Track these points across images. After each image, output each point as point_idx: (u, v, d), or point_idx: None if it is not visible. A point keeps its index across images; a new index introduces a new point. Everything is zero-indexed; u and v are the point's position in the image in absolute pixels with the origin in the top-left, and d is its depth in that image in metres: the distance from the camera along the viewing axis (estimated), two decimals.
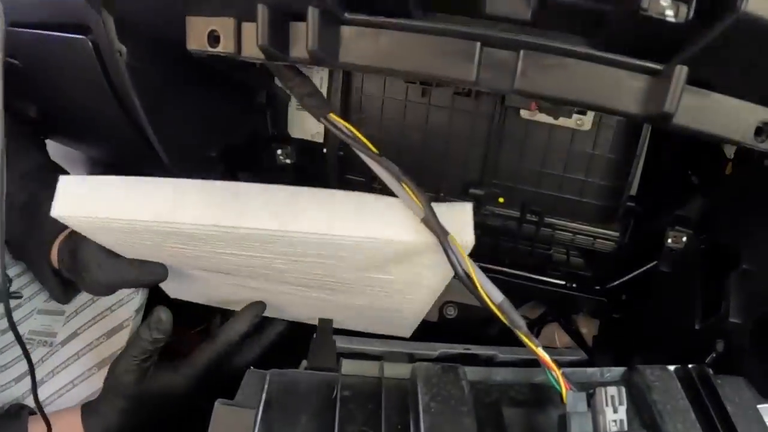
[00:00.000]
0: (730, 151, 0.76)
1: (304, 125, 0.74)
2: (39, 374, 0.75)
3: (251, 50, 0.50)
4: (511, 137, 0.69)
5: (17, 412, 0.65)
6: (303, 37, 0.47)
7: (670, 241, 0.70)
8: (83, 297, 0.80)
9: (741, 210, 0.67)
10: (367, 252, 0.55)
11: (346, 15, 0.47)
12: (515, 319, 0.54)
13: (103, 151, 0.90)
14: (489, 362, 0.76)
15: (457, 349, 0.76)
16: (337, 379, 0.53)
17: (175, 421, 0.66)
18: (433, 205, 0.53)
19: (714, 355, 0.80)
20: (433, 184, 0.74)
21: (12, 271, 0.80)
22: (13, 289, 0.79)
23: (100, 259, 0.63)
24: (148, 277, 0.64)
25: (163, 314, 0.61)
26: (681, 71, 0.41)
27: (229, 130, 0.72)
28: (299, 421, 0.51)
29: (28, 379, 0.72)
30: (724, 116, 0.45)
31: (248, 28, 0.50)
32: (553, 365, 0.55)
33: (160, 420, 0.65)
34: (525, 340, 0.54)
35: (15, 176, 0.72)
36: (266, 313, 0.70)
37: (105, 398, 0.63)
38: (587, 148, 0.68)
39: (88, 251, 0.64)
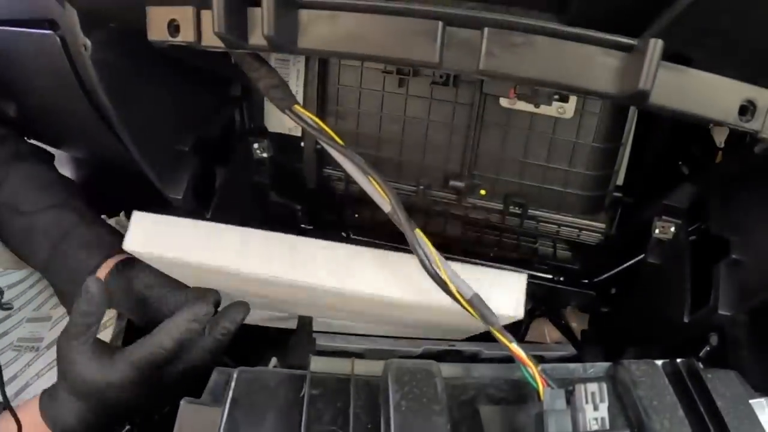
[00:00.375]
0: (720, 139, 0.72)
1: (281, 118, 0.71)
2: (25, 377, 0.74)
3: (211, 39, 0.47)
4: (491, 127, 0.66)
5: None
6: (260, 23, 0.44)
7: (657, 231, 0.66)
8: None
9: (730, 199, 0.63)
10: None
11: None
12: (487, 315, 0.52)
13: (82, 150, 0.88)
14: (474, 358, 0.73)
15: (442, 345, 0.73)
16: (305, 376, 0.50)
17: (129, 418, 0.64)
18: (484, 271, 0.57)
19: (708, 348, 0.77)
20: (414, 176, 0.71)
21: (4, 281, 0.79)
22: (4, 300, 0.79)
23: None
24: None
25: (92, 285, 0.57)
26: (655, 45, 0.38)
27: (202, 124, 0.69)
28: (266, 419, 0.49)
29: (14, 383, 0.73)
30: (705, 94, 0.41)
31: (207, 15, 0.48)
32: (528, 361, 0.52)
33: (111, 414, 0.60)
34: (498, 335, 0.52)
35: (43, 201, 0.72)
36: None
37: (57, 384, 0.60)
38: (570, 136, 0.65)
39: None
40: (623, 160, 0.69)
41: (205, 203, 0.69)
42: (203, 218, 0.69)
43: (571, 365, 0.58)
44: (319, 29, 0.44)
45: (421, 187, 0.70)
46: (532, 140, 0.66)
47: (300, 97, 0.71)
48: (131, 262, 0.68)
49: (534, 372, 0.51)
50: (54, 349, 0.72)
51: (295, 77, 0.71)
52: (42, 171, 0.76)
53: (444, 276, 0.52)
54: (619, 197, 0.71)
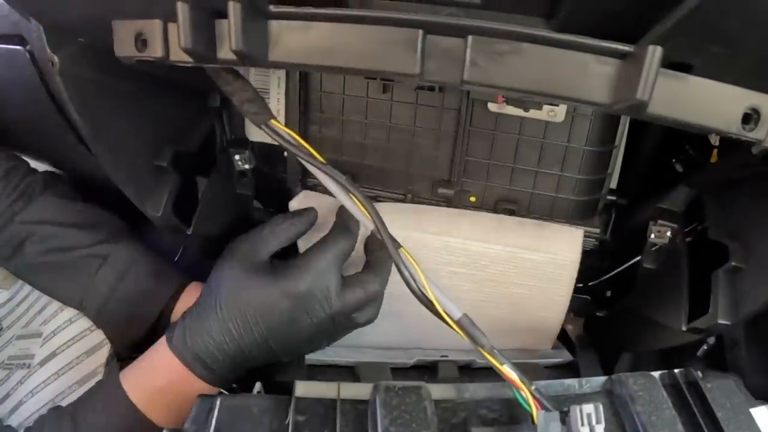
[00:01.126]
0: (715, 138, 0.68)
1: None
2: (18, 395, 0.70)
3: (180, 53, 0.43)
4: (479, 132, 0.62)
5: None
6: (228, 36, 0.39)
7: (653, 236, 0.62)
8: (61, 318, 0.74)
9: (728, 203, 0.59)
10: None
11: (271, 8, 0.39)
12: (477, 336, 0.48)
13: (59, 165, 0.83)
14: (467, 368, 0.69)
15: (434, 356, 0.70)
16: (291, 402, 0.47)
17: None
18: (543, 225, 0.63)
19: (705, 347, 0.73)
20: (401, 184, 0.66)
21: None
22: None
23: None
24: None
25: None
26: (654, 52, 0.34)
27: (180, 138, 0.65)
28: None
29: (7, 401, 0.70)
30: (707, 103, 0.37)
31: (175, 29, 0.43)
32: (520, 384, 0.48)
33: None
34: (489, 358, 0.48)
35: (91, 236, 0.70)
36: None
37: (204, 315, 0.55)
38: (562, 140, 0.60)
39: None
40: (617, 163, 0.65)
41: (186, 218, 0.65)
42: (183, 234, 0.65)
43: (566, 381, 0.55)
44: (291, 41, 0.40)
45: (409, 195, 0.66)
46: (522, 145, 0.61)
47: (282, 105, 0.67)
48: None
49: (527, 395, 0.48)
50: (48, 366, 0.72)
51: (276, 85, 0.67)
52: (76, 204, 0.73)
53: (431, 296, 0.48)
54: (612, 200, 0.67)
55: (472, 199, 0.65)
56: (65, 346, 0.73)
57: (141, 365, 0.57)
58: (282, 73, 0.66)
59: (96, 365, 0.72)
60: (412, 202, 0.66)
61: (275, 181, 0.71)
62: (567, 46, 0.36)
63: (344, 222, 0.58)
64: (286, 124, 0.66)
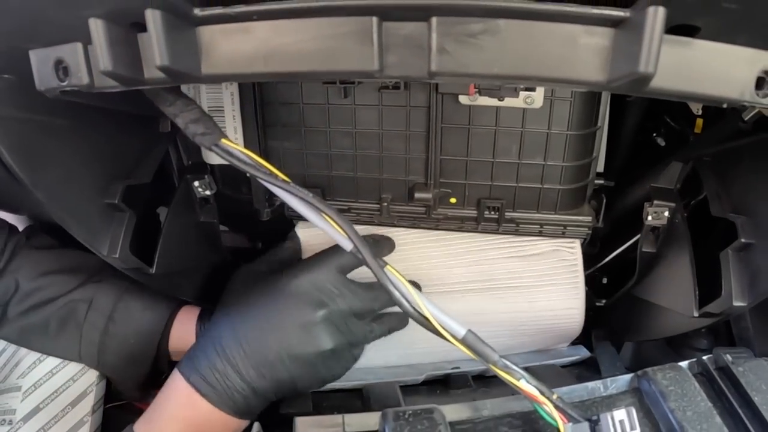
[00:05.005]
0: (696, 106, 0.62)
1: None
2: None
3: (104, 78, 0.35)
4: (452, 129, 0.54)
5: None
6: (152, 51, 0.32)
7: (650, 218, 0.55)
8: (41, 371, 0.68)
9: (727, 175, 0.53)
10: None
11: (197, 12, 0.32)
12: (486, 353, 0.41)
13: (17, 210, 0.75)
14: (481, 377, 0.63)
15: (445, 368, 0.64)
16: None
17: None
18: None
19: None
20: (374, 192, 0.59)
21: None
22: None
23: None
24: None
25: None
26: (656, 14, 0.27)
27: (130, 171, 0.56)
28: None
29: None
30: (716, 69, 0.31)
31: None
32: (540, 397, 0.42)
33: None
34: (502, 374, 0.42)
35: (73, 280, 0.66)
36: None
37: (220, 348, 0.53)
38: (542, 127, 0.53)
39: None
40: (602, 145, 0.58)
41: (148, 256, 0.57)
42: (147, 274, 0.57)
43: (590, 384, 0.49)
44: (225, 48, 0.33)
45: (384, 204, 0.58)
46: (500, 137, 0.55)
47: (239, 122, 0.59)
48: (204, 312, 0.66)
49: (550, 409, 0.41)
50: (32, 422, 0.66)
51: (230, 101, 0.59)
52: (52, 252, 0.68)
53: (428, 315, 0.41)
54: (601, 184, 0.60)
55: (453, 200, 0.58)
56: (49, 400, 0.68)
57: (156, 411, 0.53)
58: (235, 87, 0.58)
59: (82, 414, 0.68)
60: (389, 211, 0.59)
61: (241, 203, 0.63)
62: (550, 17, 0.29)
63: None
64: (246, 142, 0.59)
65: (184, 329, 0.66)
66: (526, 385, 0.40)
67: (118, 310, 0.65)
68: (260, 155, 0.58)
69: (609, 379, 0.48)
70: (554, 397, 0.40)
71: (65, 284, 0.65)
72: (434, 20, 0.29)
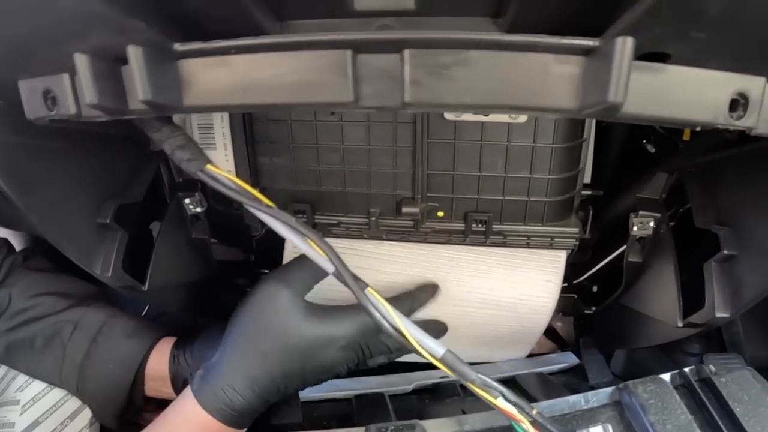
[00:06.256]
0: None
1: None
2: None
3: (91, 109, 0.35)
4: (439, 144, 0.55)
5: None
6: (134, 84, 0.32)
7: (635, 228, 0.56)
8: (39, 384, 0.68)
9: (711, 186, 0.53)
10: None
11: (177, 47, 0.32)
12: (464, 372, 0.41)
13: (15, 227, 0.75)
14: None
15: (434, 377, 0.64)
16: None
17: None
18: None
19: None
20: (363, 207, 0.59)
21: None
22: None
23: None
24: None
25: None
26: (624, 45, 0.27)
27: (121, 190, 0.57)
28: None
29: None
30: (689, 94, 0.31)
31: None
32: (518, 416, 0.42)
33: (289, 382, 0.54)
34: (480, 392, 0.42)
35: (61, 302, 0.66)
36: None
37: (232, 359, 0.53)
38: (527, 141, 0.53)
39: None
40: (588, 157, 0.58)
41: (141, 272, 0.57)
42: (140, 291, 0.58)
43: (571, 398, 0.49)
44: (205, 81, 0.33)
45: (373, 218, 0.58)
46: (485, 152, 0.55)
47: (228, 139, 0.59)
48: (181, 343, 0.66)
49: (527, 426, 0.41)
50: None
51: (219, 118, 0.59)
52: (44, 274, 0.69)
53: (408, 336, 0.41)
54: (588, 195, 0.60)
55: (440, 214, 0.58)
56: (48, 414, 0.67)
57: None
58: None
59: (81, 426, 0.67)
60: (377, 225, 0.59)
61: (232, 218, 0.63)
62: (520, 47, 0.29)
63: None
64: (235, 158, 0.59)
65: (159, 359, 0.65)
66: (504, 403, 0.40)
67: (102, 333, 0.64)
68: (250, 171, 0.60)
69: (590, 393, 0.48)
70: (534, 412, 0.40)
71: (55, 305, 0.65)
72: (407, 53, 0.29)
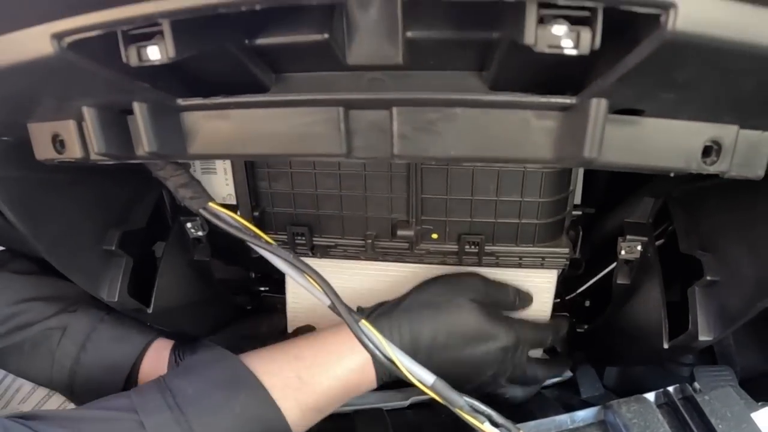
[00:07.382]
0: None
1: (213, 190, 0.60)
2: None
3: (98, 155, 0.37)
4: (432, 169, 0.56)
5: None
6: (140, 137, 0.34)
7: (623, 252, 0.57)
8: (38, 395, 0.70)
9: (696, 212, 0.55)
10: None
11: (180, 102, 0.34)
12: (453, 399, 0.43)
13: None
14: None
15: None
16: None
17: None
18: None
19: None
20: (359, 230, 0.61)
21: None
22: None
23: None
24: None
25: None
26: (598, 105, 0.28)
27: (126, 217, 0.59)
28: None
29: None
30: (663, 143, 0.33)
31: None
32: None
33: None
34: (467, 418, 0.44)
35: (49, 308, 0.66)
36: None
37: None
38: (518, 165, 0.55)
39: None
40: (579, 178, 0.60)
41: (146, 295, 0.59)
42: (145, 314, 0.59)
43: (557, 418, 0.51)
44: (207, 132, 0.35)
45: (369, 240, 0.60)
46: (477, 176, 0.56)
47: (228, 164, 0.61)
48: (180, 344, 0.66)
49: None
50: None
51: None
52: (30, 278, 0.68)
53: (400, 366, 0.43)
54: (578, 215, 0.62)
55: (434, 236, 0.60)
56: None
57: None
58: None
59: None
60: (373, 247, 0.61)
61: (233, 239, 0.65)
62: (501, 105, 0.30)
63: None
64: (235, 183, 0.61)
65: (155, 362, 0.66)
66: (490, 428, 0.42)
67: (91, 339, 0.65)
68: (249, 195, 0.61)
69: (577, 413, 0.50)
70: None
71: (42, 312, 0.65)
72: (395, 110, 0.31)
